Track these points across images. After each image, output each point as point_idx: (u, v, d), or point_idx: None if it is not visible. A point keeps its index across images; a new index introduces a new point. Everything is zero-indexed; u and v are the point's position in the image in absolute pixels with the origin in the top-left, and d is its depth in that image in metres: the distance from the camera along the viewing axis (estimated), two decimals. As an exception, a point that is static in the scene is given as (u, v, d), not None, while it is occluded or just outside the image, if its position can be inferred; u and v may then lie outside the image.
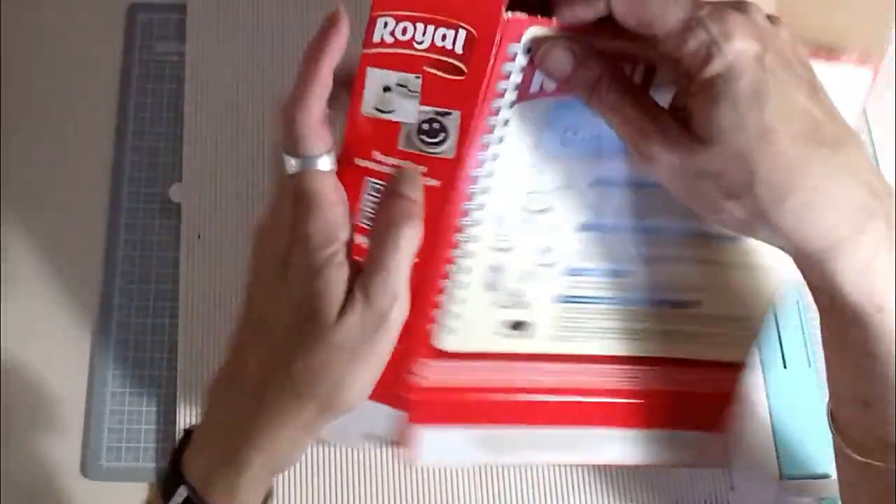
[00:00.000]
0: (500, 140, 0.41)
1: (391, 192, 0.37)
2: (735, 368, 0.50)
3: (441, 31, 0.37)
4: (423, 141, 0.39)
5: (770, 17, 0.35)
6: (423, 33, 0.38)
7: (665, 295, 0.47)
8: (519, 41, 0.38)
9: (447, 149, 0.39)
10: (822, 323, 0.39)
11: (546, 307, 0.47)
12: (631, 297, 0.47)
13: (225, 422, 0.39)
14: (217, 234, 0.58)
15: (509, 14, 0.37)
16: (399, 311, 0.36)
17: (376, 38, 0.38)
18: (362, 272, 0.36)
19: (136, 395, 0.55)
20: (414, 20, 0.38)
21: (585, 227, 0.45)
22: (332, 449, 0.54)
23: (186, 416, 0.54)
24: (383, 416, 0.47)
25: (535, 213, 0.44)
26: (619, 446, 0.51)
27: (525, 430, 0.50)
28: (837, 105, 0.38)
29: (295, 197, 0.36)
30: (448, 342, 0.46)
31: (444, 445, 0.49)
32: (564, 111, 0.40)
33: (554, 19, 0.38)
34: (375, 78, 0.38)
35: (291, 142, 0.36)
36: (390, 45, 0.38)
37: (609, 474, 0.54)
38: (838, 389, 0.40)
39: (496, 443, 0.50)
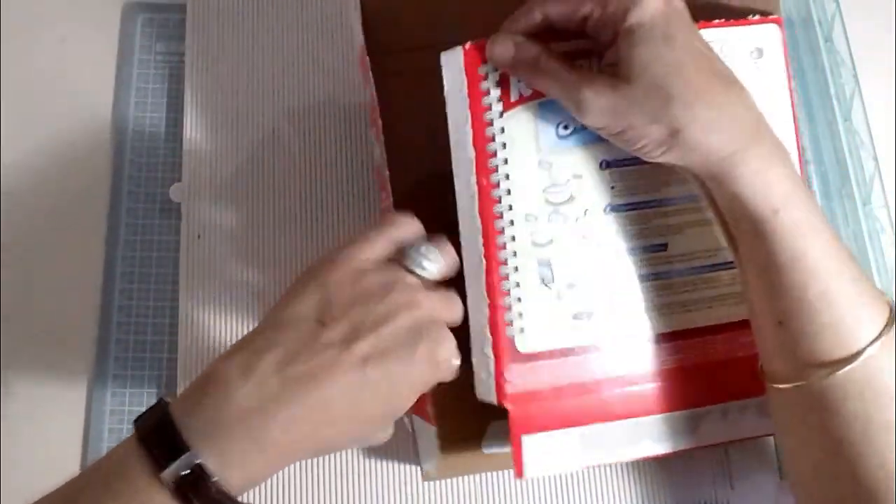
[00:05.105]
0: (504, 146, 0.48)
1: None
2: None
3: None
4: None
5: None
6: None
7: (701, 261, 0.51)
8: (484, 62, 0.48)
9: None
10: (735, 253, 0.45)
11: (605, 293, 0.50)
12: (673, 269, 0.51)
13: (258, 389, 0.38)
14: (217, 234, 0.58)
15: (469, 44, 0.47)
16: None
17: None
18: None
19: (136, 395, 0.55)
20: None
21: (612, 209, 0.50)
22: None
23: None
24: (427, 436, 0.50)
25: (559, 204, 0.49)
26: (719, 423, 0.51)
27: (623, 423, 0.50)
28: (767, 55, 0.51)
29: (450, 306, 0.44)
30: (525, 343, 0.49)
31: (548, 451, 0.50)
32: (549, 110, 0.48)
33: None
34: None
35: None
36: None
37: (609, 475, 0.54)
38: (757, 320, 0.46)
39: (599, 441, 0.50)
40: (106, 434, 0.54)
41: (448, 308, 0.44)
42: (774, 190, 0.42)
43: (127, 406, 0.55)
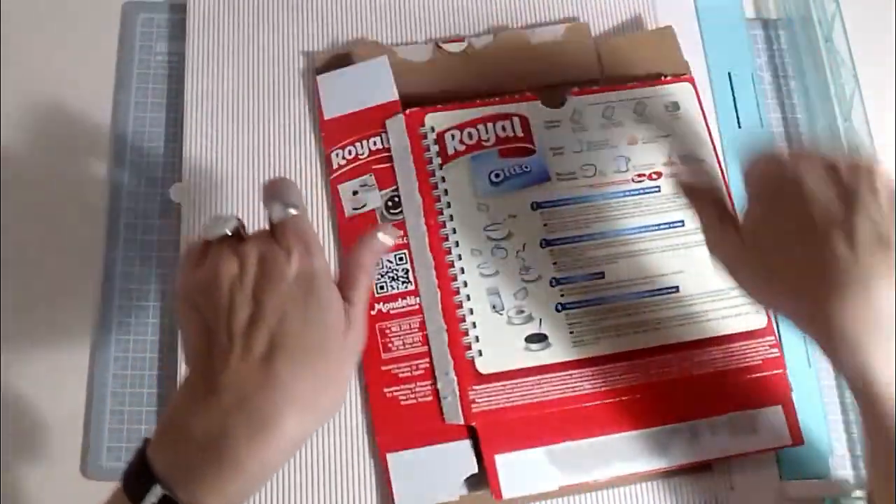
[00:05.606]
0: (446, 192, 0.56)
1: (360, 246, 0.45)
2: (757, 335, 0.55)
3: (372, 140, 0.58)
4: (391, 213, 0.57)
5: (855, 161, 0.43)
6: (362, 148, 0.58)
7: (639, 287, 0.55)
8: (424, 125, 0.57)
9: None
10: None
11: (551, 318, 0.54)
12: (612, 295, 0.55)
13: (206, 420, 0.38)
14: (217, 234, 0.58)
15: (408, 110, 0.57)
16: (364, 330, 0.44)
17: (335, 165, 0.58)
18: (345, 300, 0.43)
19: (136, 395, 0.55)
20: (353, 143, 0.58)
21: (547, 243, 0.56)
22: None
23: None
24: (463, 451, 0.52)
25: (499, 240, 0.55)
26: (690, 443, 0.53)
27: (589, 441, 0.52)
28: (684, 108, 0.59)
29: (296, 236, 0.42)
30: (484, 365, 0.53)
31: (521, 471, 0.52)
32: (480, 163, 0.57)
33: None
34: (345, 190, 0.57)
35: (283, 193, 0.43)
36: (345, 165, 0.58)
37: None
38: (870, 472, 0.45)
39: (571, 459, 0.52)
40: (106, 434, 0.54)
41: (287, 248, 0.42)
42: (859, 359, 0.40)
43: (126, 406, 0.55)
